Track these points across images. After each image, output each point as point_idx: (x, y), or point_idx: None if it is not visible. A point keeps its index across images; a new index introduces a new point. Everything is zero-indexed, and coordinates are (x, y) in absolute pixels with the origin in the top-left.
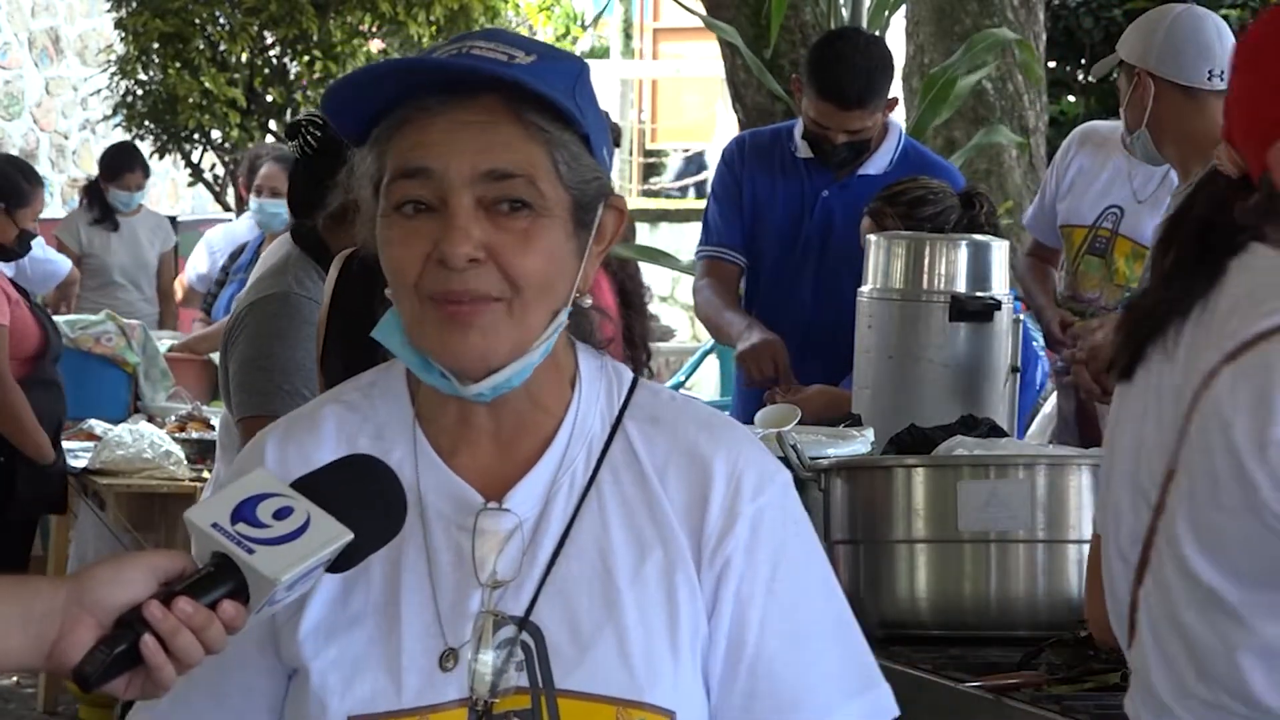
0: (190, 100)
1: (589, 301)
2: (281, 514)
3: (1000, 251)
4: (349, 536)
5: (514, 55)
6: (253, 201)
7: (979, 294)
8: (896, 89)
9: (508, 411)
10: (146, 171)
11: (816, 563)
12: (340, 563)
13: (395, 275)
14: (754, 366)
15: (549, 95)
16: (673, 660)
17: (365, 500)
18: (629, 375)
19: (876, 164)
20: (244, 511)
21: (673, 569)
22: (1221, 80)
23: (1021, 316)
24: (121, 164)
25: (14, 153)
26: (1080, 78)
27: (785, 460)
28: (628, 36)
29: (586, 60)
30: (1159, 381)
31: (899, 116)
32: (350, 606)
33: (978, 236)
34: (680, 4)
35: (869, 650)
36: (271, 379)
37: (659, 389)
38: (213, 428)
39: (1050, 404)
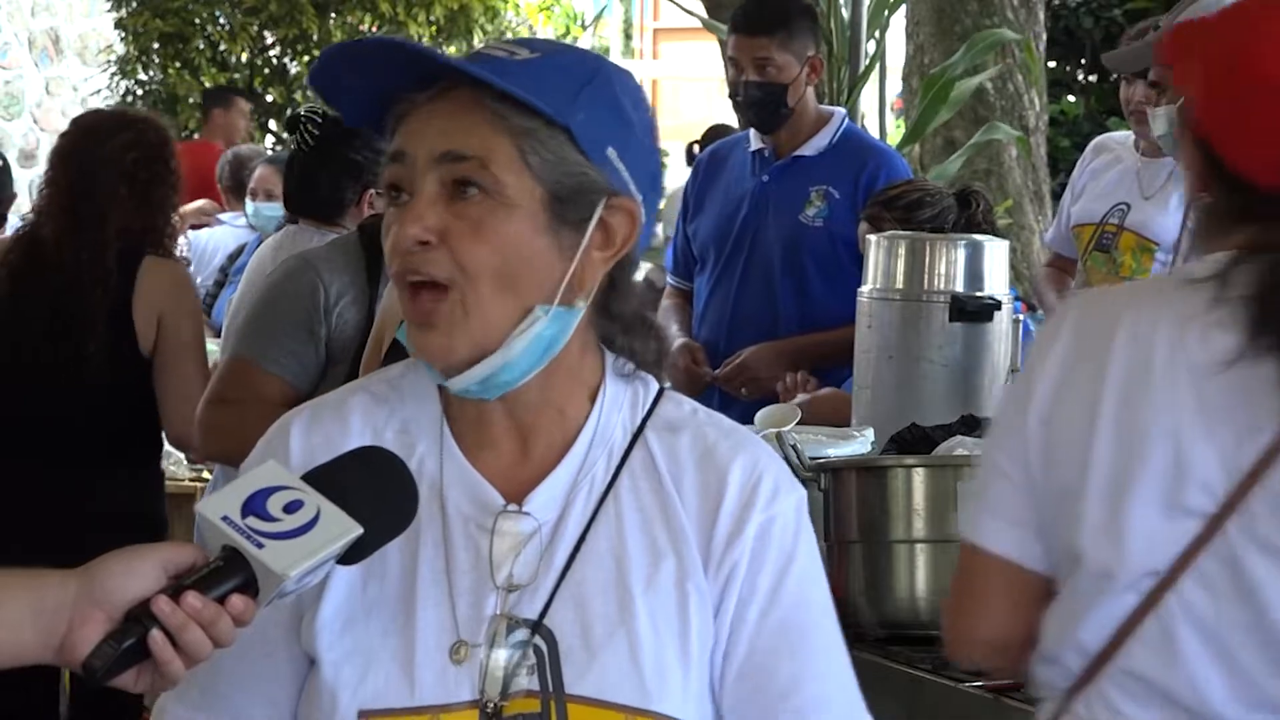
0: (190, 100)
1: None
2: (292, 507)
3: (1000, 251)
4: (358, 531)
5: (515, 53)
6: (248, 204)
7: (979, 294)
8: (895, 89)
9: (521, 410)
10: None
11: (821, 586)
12: (350, 555)
13: (387, 264)
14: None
15: (504, 87)
16: (683, 670)
17: (376, 494)
18: (655, 386)
19: (814, 146)
20: (254, 505)
21: (685, 577)
22: None
23: (1022, 317)
24: None
25: (14, 153)
26: (1080, 78)
27: (785, 460)
28: (628, 36)
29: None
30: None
31: (898, 117)
32: (366, 597)
33: (978, 236)
34: (679, 6)
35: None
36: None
37: (683, 400)
38: None
39: None
